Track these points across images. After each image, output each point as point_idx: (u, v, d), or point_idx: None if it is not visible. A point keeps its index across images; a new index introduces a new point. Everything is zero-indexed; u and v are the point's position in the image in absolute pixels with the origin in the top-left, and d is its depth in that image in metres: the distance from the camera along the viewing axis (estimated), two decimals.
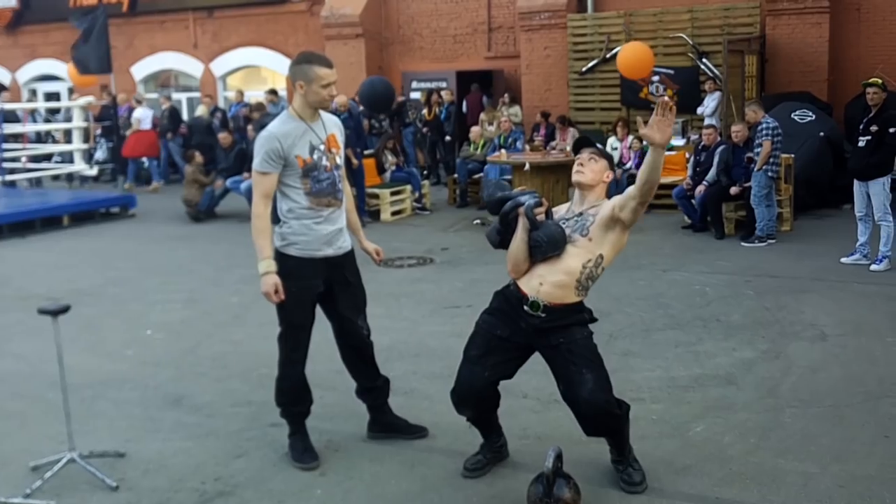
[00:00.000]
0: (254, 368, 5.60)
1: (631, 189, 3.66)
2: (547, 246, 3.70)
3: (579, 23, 14.82)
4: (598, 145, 3.99)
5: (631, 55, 12.33)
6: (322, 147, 4.08)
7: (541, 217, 3.76)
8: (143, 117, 16.00)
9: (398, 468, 4.17)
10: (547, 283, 3.69)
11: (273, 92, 16.16)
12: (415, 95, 16.26)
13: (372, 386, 4.48)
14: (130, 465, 4.27)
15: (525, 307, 3.72)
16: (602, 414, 3.68)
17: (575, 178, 3.84)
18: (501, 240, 3.89)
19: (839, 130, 11.61)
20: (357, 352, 4.40)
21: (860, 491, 3.80)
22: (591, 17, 15.01)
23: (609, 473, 3.97)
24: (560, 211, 3.93)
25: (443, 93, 15.44)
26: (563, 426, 4.49)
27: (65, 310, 4.21)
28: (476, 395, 3.87)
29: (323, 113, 4.20)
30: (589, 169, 3.81)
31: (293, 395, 4.26)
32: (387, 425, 4.51)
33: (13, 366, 5.93)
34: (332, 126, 4.21)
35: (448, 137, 15.19)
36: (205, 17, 19.39)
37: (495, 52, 16.65)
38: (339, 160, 4.18)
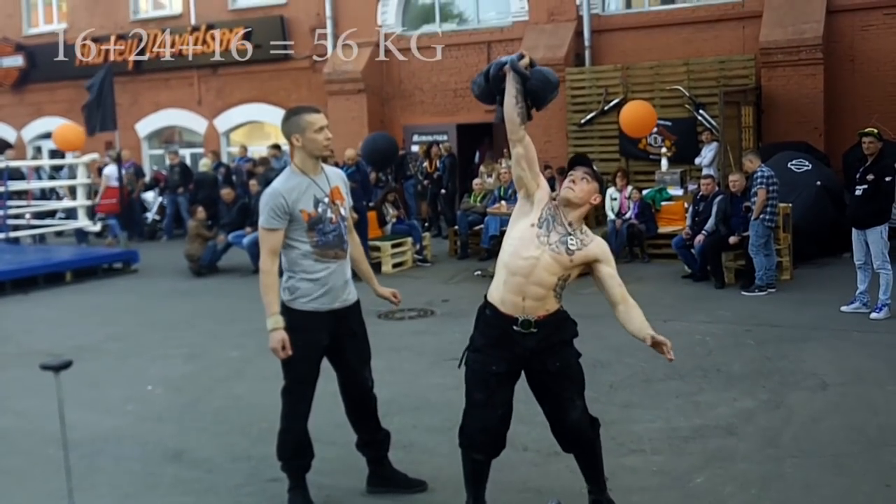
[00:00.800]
0: (254, 423, 5.59)
1: (620, 294, 3.81)
2: (542, 88, 3.72)
3: (577, 76, 15.04)
4: (594, 167, 3.97)
5: (634, 114, 12.47)
6: (326, 200, 4.14)
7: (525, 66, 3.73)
8: (111, 174, 15.78)
9: None
10: (529, 298, 3.72)
11: (276, 147, 16.33)
12: (416, 149, 16.45)
13: (373, 439, 4.47)
14: None
15: (515, 328, 3.73)
16: (584, 435, 3.89)
17: (564, 193, 3.81)
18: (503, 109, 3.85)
19: (836, 179, 11.69)
20: (360, 404, 4.40)
21: None
22: (589, 70, 15.24)
23: None
24: (541, 199, 3.83)
25: (440, 145, 15.58)
26: (562, 479, 4.48)
27: (67, 365, 4.22)
28: (493, 437, 3.84)
29: (326, 166, 4.27)
30: (580, 188, 3.80)
31: (295, 449, 4.25)
32: (386, 479, 4.49)
33: (14, 422, 5.93)
34: (336, 178, 4.28)
35: (444, 190, 15.28)
36: (209, 74, 19.70)
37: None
38: (345, 212, 4.23)
